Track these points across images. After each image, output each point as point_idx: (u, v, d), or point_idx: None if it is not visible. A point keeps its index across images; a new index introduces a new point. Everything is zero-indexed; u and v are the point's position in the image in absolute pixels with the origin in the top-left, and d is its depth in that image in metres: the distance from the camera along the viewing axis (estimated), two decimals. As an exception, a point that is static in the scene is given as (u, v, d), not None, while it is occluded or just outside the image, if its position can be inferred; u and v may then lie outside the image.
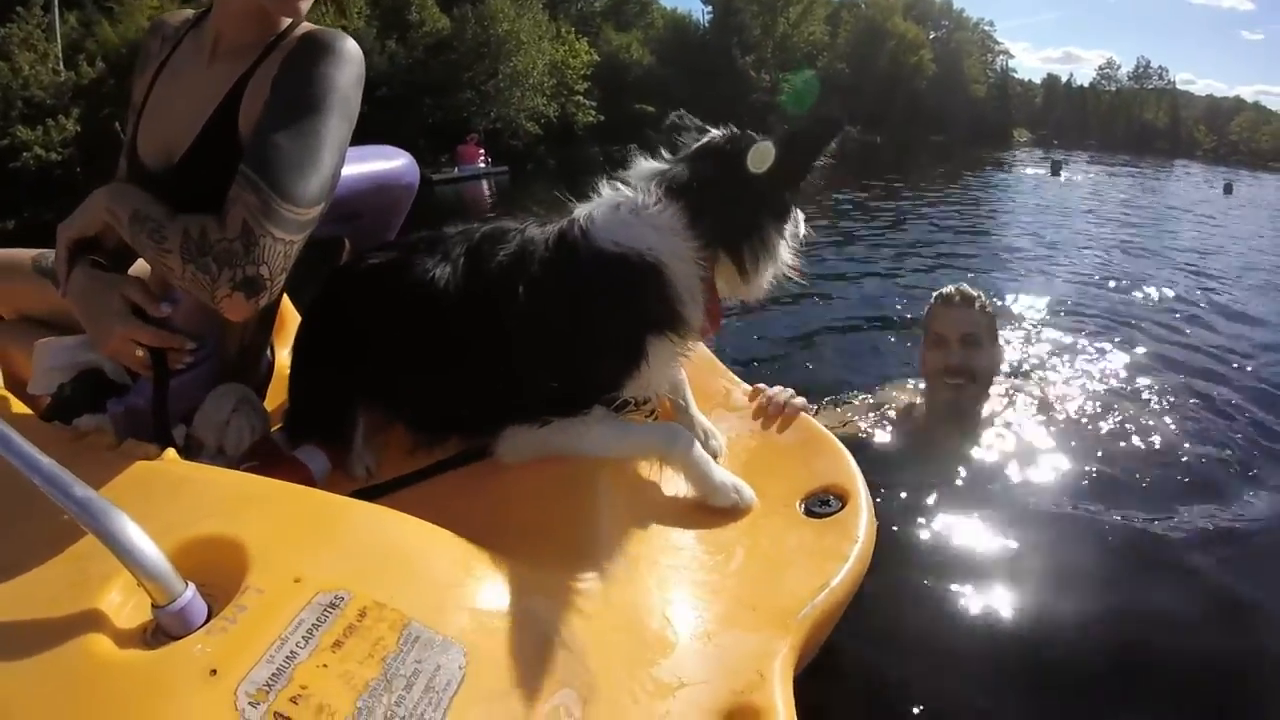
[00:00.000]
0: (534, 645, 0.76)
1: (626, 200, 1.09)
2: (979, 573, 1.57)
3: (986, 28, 61.53)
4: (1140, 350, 3.31)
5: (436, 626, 0.70)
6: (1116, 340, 3.45)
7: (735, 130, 1.12)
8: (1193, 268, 6.24)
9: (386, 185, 1.38)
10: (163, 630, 0.64)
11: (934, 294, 2.11)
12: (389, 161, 1.40)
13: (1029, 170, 18.55)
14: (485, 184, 18.93)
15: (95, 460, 0.96)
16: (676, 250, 1.05)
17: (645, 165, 1.13)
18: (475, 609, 0.76)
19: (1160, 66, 72.30)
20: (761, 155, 1.05)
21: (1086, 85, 71.86)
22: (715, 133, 1.14)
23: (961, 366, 1.98)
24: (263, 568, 0.70)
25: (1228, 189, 18.74)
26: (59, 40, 16.27)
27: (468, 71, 24.66)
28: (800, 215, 1.17)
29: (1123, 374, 2.93)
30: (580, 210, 1.11)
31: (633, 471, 1.14)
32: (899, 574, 1.51)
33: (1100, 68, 76.43)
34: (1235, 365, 3.22)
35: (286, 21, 1.09)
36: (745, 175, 1.06)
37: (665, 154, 1.14)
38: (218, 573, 0.70)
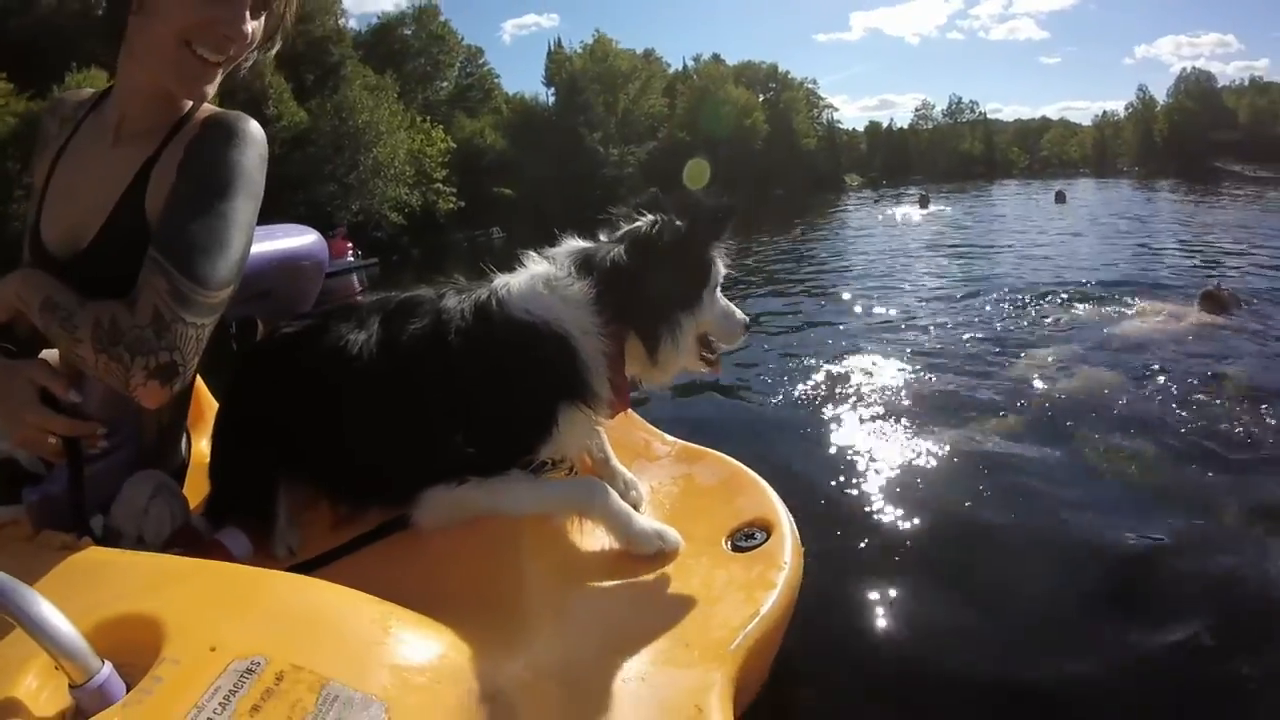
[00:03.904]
0: (459, 699, 0.76)
1: (543, 272, 1.16)
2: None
3: (810, 85, 67.21)
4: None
5: (356, 684, 0.70)
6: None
7: (663, 217, 1.16)
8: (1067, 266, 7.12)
9: (295, 263, 1.39)
10: (82, 712, 0.63)
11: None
12: (296, 239, 1.42)
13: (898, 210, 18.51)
14: (356, 278, 18.38)
15: (11, 551, 0.94)
16: (580, 322, 1.11)
17: (573, 243, 1.21)
18: (396, 665, 0.75)
19: (971, 100, 79.73)
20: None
21: (906, 127, 78.93)
22: (645, 219, 1.18)
23: None
24: (179, 640, 0.70)
25: (1059, 197, 19.02)
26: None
27: (329, 164, 24.25)
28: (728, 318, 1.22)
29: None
30: (500, 280, 1.17)
31: (558, 528, 1.14)
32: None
33: (916, 109, 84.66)
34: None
35: (189, 104, 1.10)
36: (661, 261, 1.13)
37: (601, 236, 1.21)
38: (135, 650, 0.69)
